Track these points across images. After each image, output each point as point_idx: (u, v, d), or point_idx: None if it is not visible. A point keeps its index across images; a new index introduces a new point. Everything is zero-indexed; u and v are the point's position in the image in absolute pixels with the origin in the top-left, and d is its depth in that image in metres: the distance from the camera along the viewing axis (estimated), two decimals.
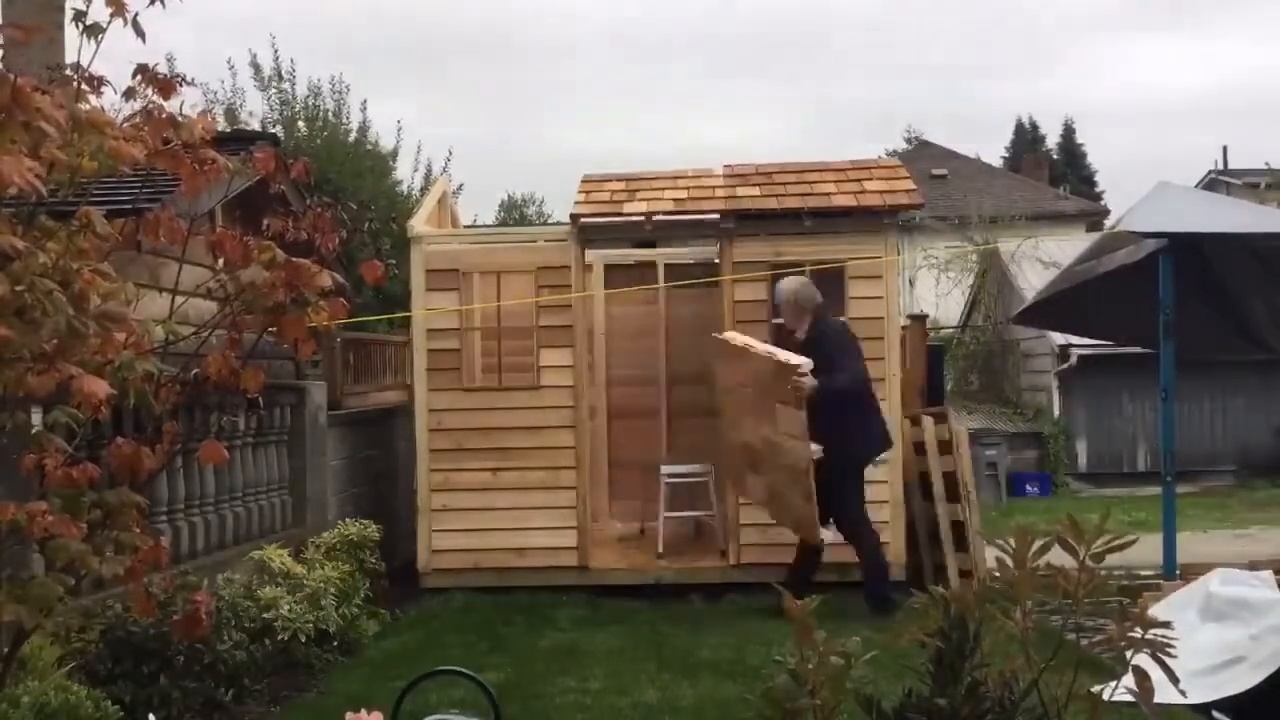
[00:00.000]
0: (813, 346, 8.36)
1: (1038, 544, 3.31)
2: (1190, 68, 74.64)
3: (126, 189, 6.43)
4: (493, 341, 9.85)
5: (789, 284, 8.78)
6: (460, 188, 19.68)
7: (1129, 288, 8.28)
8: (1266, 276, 8.49)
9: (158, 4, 3.74)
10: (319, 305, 4.01)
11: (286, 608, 7.17)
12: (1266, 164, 25.58)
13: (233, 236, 4.08)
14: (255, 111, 18.99)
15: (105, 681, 5.64)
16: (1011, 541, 3.35)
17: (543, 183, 62.48)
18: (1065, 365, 17.81)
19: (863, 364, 8.57)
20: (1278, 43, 69.34)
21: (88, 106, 3.69)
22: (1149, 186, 8.17)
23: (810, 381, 7.85)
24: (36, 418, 3.93)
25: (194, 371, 4.00)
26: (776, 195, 9.83)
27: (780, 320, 9.04)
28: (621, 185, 10.27)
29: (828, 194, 9.77)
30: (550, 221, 28.79)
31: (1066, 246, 16.93)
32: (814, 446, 7.91)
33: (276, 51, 19.07)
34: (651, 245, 11.08)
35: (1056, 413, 18.20)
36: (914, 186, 9.97)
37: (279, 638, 7.01)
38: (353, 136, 18.92)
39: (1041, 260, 18.32)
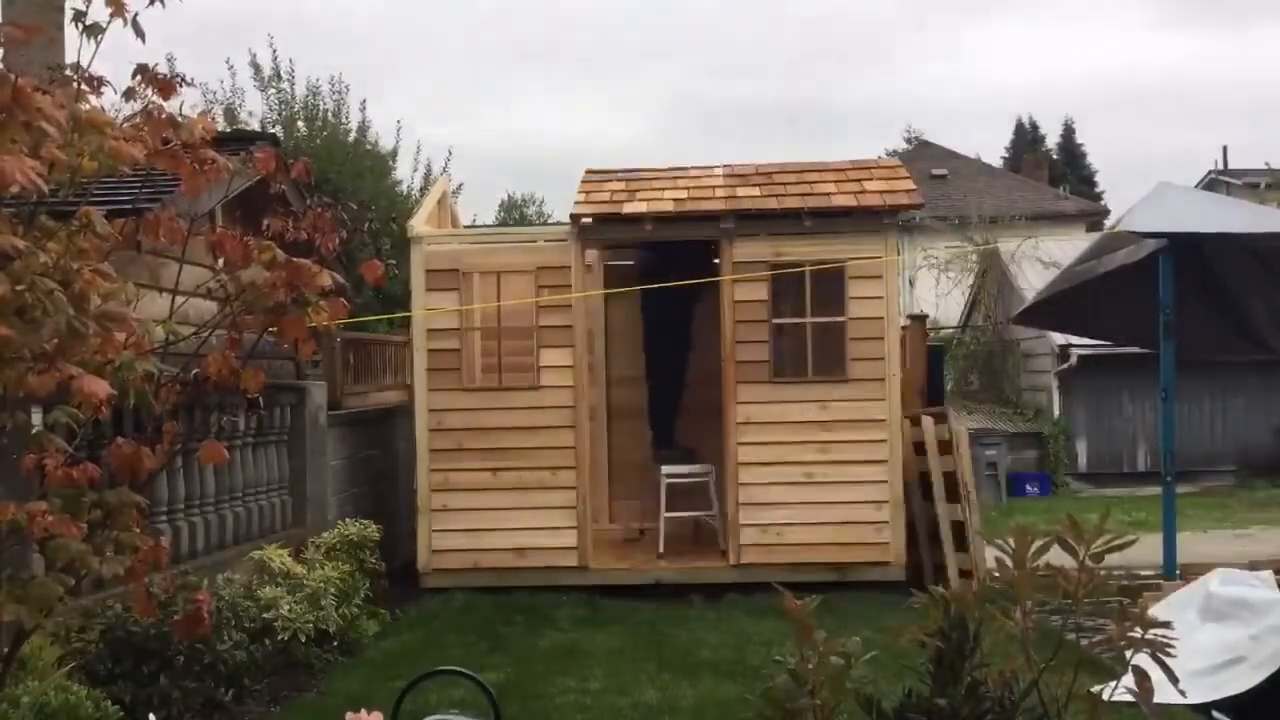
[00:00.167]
0: None
1: (1038, 544, 3.31)
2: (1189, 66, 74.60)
3: (126, 189, 6.43)
4: (493, 341, 9.85)
5: None
6: (460, 188, 19.68)
7: (1129, 288, 8.29)
8: (1266, 276, 8.49)
9: (158, 4, 3.74)
10: (319, 305, 4.01)
11: (286, 608, 7.17)
12: (1266, 164, 25.59)
13: (233, 236, 4.08)
14: (255, 111, 19.00)
15: (105, 681, 5.64)
16: (1011, 541, 3.35)
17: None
18: (1065, 365, 17.81)
19: None
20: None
21: (88, 106, 3.69)
22: (1149, 187, 8.18)
23: None
24: (36, 418, 3.93)
25: (194, 371, 4.00)
26: (777, 195, 9.83)
27: (780, 320, 9.04)
28: (621, 184, 10.27)
29: (828, 194, 9.77)
30: (550, 221, 28.77)
31: (1066, 246, 16.94)
32: None
33: (275, 51, 19.07)
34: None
35: (1056, 413, 18.20)
36: (914, 186, 9.98)
37: (279, 638, 7.01)
38: (352, 136, 18.91)
39: (1041, 260, 18.32)
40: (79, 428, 3.73)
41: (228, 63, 22.39)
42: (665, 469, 10.27)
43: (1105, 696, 3.30)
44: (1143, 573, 8.14)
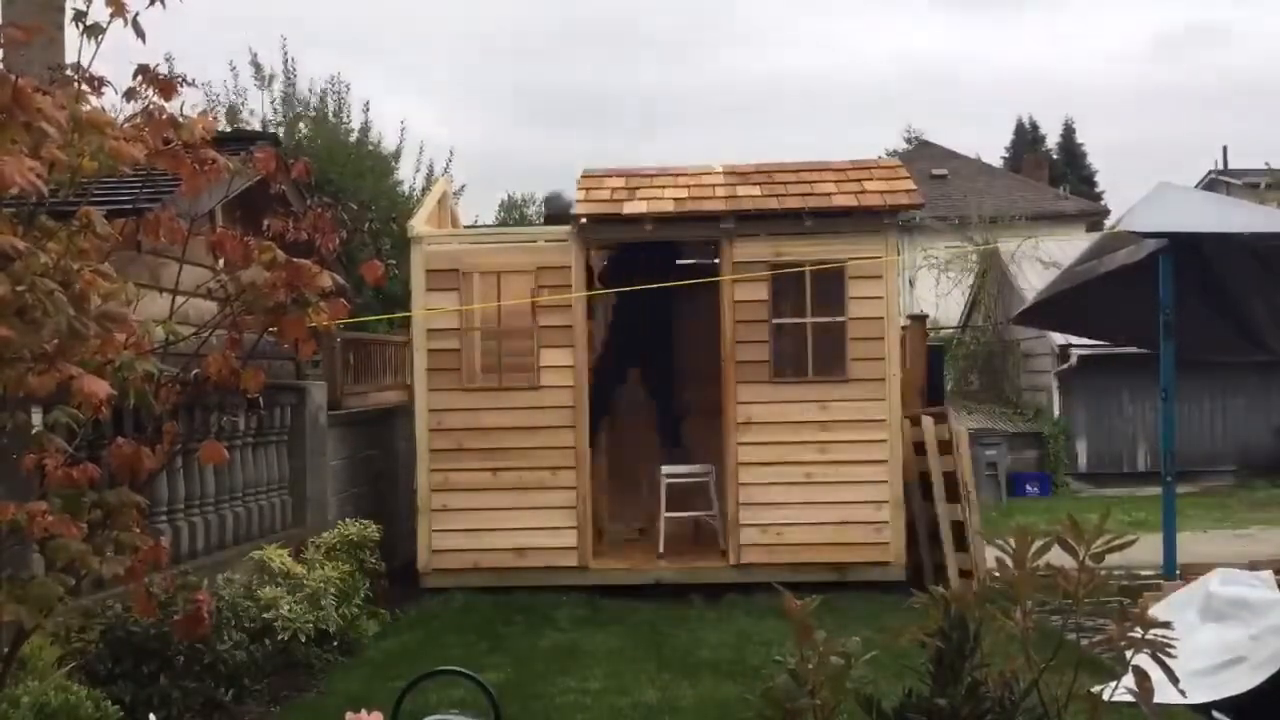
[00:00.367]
0: None
1: (1038, 544, 3.31)
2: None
3: (127, 189, 6.43)
4: (493, 341, 9.85)
5: None
6: (462, 188, 19.67)
7: (1129, 288, 8.29)
8: (1266, 276, 8.49)
9: (158, 4, 3.74)
10: (319, 305, 4.01)
11: (286, 608, 7.17)
12: (1266, 164, 25.58)
13: (233, 237, 4.08)
14: (256, 111, 19.00)
15: (105, 681, 5.64)
16: (1011, 541, 3.35)
17: None
18: (1065, 365, 17.81)
19: None
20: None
21: (88, 107, 3.69)
22: (1149, 187, 8.18)
23: None
24: (37, 418, 3.93)
25: (194, 371, 4.00)
26: (777, 195, 9.83)
27: (780, 320, 9.04)
28: (621, 183, 10.26)
29: (828, 194, 9.77)
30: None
31: (1066, 246, 16.94)
32: None
33: (286, 52, 19.08)
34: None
35: (1056, 413, 18.20)
36: (914, 186, 9.98)
37: (279, 638, 7.01)
38: (354, 137, 18.91)
39: (1041, 260, 18.33)
40: (79, 428, 3.73)
41: (230, 63, 22.38)
42: (665, 469, 10.27)
43: (1105, 696, 3.30)
44: (1143, 573, 8.14)
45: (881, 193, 9.73)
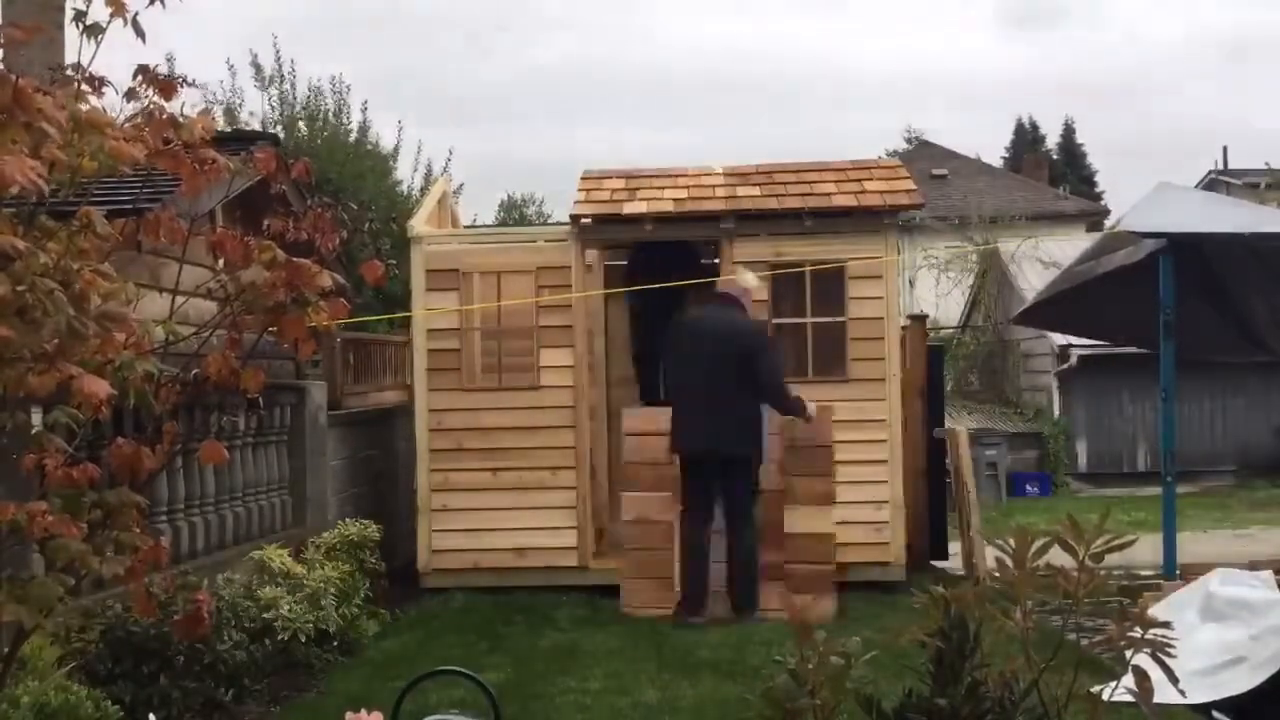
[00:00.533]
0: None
1: (1038, 544, 3.31)
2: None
3: (127, 189, 6.42)
4: (493, 341, 9.84)
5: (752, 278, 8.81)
6: (461, 188, 19.67)
7: (1129, 288, 8.29)
8: (1266, 276, 8.50)
9: (158, 4, 3.74)
10: (319, 305, 4.01)
11: (286, 608, 7.17)
12: (1266, 164, 25.59)
13: (233, 237, 4.07)
14: (255, 111, 19.00)
15: (105, 681, 5.64)
16: (1011, 541, 3.35)
17: None
18: (1065, 365, 17.82)
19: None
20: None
21: (88, 107, 3.68)
22: (1149, 187, 8.19)
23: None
24: (36, 418, 3.93)
25: (194, 371, 4.00)
26: (777, 195, 9.83)
27: (780, 320, 9.03)
28: (621, 184, 10.26)
29: (828, 194, 9.78)
30: (550, 221, 28.73)
31: (1066, 246, 16.93)
32: None
33: (279, 51, 19.07)
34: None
35: (1056, 413, 18.21)
36: (914, 186, 9.98)
37: (279, 638, 7.00)
38: (353, 137, 18.91)
39: (1041, 260, 18.33)
40: (79, 428, 3.73)
41: (228, 63, 22.40)
42: None
43: (1105, 696, 3.30)
44: (1143, 573, 8.14)
45: (881, 193, 9.73)
